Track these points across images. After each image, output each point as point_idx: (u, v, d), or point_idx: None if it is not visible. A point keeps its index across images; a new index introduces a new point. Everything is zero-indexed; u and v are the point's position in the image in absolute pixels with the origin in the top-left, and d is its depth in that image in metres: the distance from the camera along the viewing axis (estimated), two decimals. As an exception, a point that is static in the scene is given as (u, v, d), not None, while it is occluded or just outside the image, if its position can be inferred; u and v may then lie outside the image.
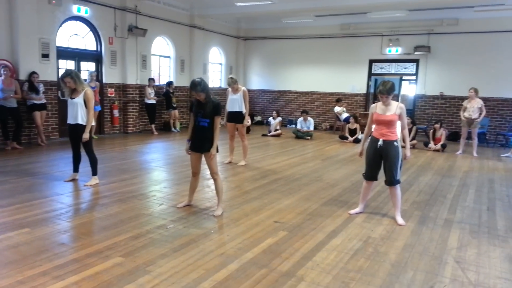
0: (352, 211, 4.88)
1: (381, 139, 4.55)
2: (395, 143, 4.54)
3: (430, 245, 3.95)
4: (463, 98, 11.13)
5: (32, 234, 3.84)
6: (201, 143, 4.55)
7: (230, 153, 7.85)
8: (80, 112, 5.57)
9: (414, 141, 10.90)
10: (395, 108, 4.53)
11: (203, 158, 4.67)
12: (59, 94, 5.79)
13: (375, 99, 18.46)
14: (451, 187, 6.44)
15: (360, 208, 4.90)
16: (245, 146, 7.78)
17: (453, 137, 12.38)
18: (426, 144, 10.78)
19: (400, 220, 4.59)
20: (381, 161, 4.65)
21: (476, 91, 9.71)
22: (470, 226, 4.57)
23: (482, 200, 5.72)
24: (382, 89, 4.46)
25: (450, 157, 9.52)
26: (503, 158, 9.70)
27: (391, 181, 4.59)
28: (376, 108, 4.64)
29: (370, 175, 4.74)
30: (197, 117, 4.48)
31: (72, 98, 5.58)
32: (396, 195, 4.64)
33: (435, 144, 10.53)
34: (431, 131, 10.92)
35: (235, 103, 7.53)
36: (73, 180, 5.90)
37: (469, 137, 10.16)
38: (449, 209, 5.22)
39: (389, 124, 4.53)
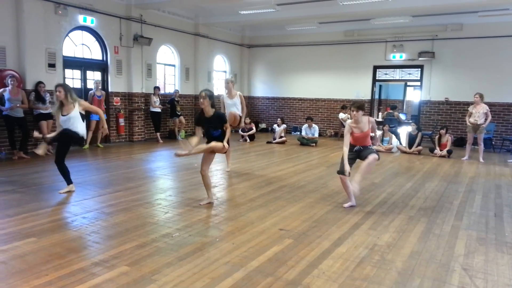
0: (346, 205, 5.39)
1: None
2: None
3: (437, 252, 3.92)
4: (468, 104, 11.09)
5: (38, 244, 3.85)
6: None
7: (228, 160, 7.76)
8: (77, 125, 5.55)
9: (420, 147, 10.86)
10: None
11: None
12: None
13: (380, 105, 18.47)
14: (457, 193, 6.39)
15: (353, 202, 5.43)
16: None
17: (459, 142, 12.31)
18: (432, 150, 10.71)
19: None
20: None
21: (481, 96, 9.67)
22: (477, 232, 4.53)
23: (489, 206, 5.67)
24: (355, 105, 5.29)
25: (456, 163, 9.46)
26: (509, 163, 9.63)
27: None
28: None
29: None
30: (209, 130, 5.11)
31: (64, 115, 5.46)
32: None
33: (441, 150, 10.47)
34: (437, 137, 10.88)
35: (233, 107, 7.54)
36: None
37: (475, 142, 10.11)
38: (456, 215, 5.18)
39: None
